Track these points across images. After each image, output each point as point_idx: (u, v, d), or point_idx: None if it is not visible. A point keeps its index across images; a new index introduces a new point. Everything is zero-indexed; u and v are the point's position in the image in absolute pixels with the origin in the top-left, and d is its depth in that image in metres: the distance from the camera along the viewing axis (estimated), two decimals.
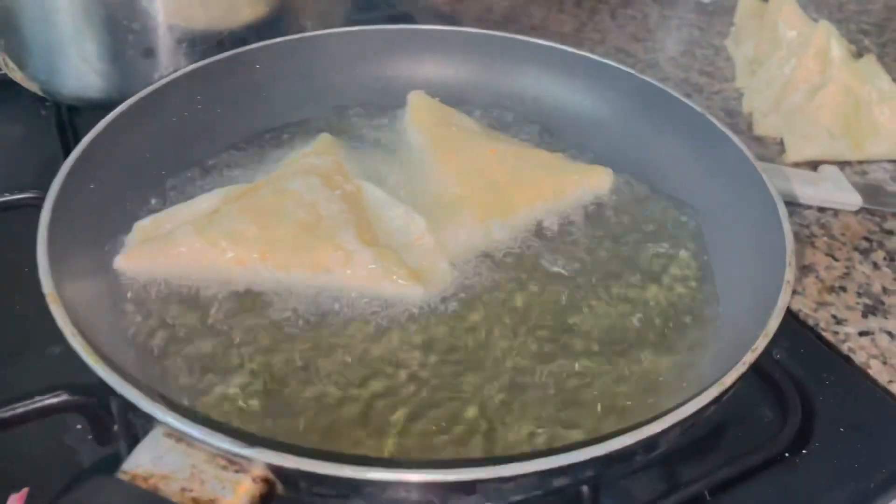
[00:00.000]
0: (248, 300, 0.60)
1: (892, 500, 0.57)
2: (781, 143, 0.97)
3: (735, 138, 0.68)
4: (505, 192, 0.71)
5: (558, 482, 0.41)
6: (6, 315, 0.68)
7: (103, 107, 0.68)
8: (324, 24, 0.88)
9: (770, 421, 0.61)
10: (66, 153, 0.82)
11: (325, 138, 0.74)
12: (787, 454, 0.58)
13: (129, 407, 0.43)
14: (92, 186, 0.61)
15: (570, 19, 1.24)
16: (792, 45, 1.05)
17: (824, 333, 0.73)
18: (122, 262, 0.60)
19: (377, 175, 0.73)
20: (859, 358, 0.70)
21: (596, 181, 0.74)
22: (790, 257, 0.53)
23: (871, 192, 0.89)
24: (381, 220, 0.66)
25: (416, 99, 0.80)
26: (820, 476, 0.57)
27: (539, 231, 0.70)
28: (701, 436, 0.60)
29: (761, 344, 0.46)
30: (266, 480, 0.39)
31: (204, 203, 0.65)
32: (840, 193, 0.87)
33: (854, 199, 0.87)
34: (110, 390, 0.43)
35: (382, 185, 0.71)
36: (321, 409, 0.52)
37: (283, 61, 0.78)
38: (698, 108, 0.71)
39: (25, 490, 0.54)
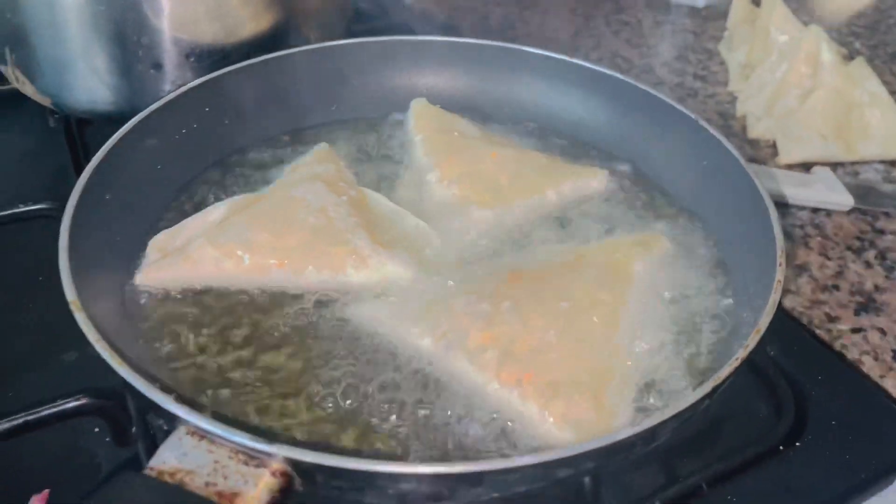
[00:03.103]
0: (260, 302, 0.63)
1: (882, 491, 0.59)
2: (774, 146, 0.99)
3: (727, 143, 0.70)
4: (505, 193, 0.73)
5: (561, 473, 0.43)
6: (22, 323, 0.70)
7: (113, 119, 0.70)
8: (326, 35, 0.90)
9: (765, 416, 0.63)
10: (77, 165, 0.85)
11: (322, 148, 0.76)
12: (781, 447, 0.60)
13: (149, 407, 0.45)
14: (108, 197, 0.63)
15: (565, 26, 1.27)
16: (783, 50, 1.07)
17: (818, 331, 0.74)
18: (141, 279, 0.62)
19: (382, 181, 0.75)
20: (852, 354, 0.72)
21: (592, 182, 0.77)
22: (780, 258, 0.55)
23: (862, 192, 0.91)
24: (388, 226, 0.68)
25: (418, 106, 0.82)
26: (813, 468, 0.59)
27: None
28: (698, 432, 0.62)
29: (753, 340, 0.48)
30: (285, 474, 0.41)
31: (213, 214, 0.67)
32: (832, 194, 0.89)
33: (846, 200, 0.89)
34: (132, 392, 0.45)
35: (387, 190, 0.74)
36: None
37: (287, 73, 0.80)
38: (691, 114, 0.73)
39: (46, 492, 0.56)
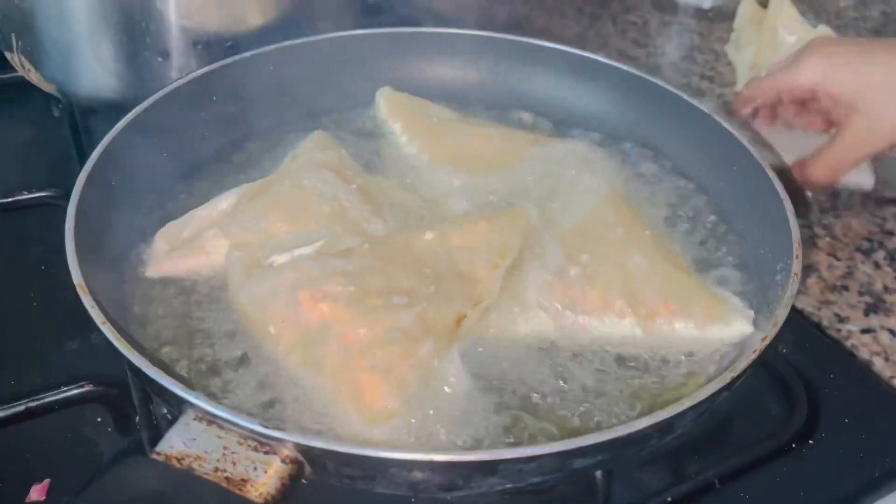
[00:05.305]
0: None
1: None
2: None
3: (742, 139, 0.69)
4: (501, 169, 0.73)
5: (576, 464, 0.42)
6: (24, 311, 0.69)
7: (118, 108, 0.69)
8: (333, 27, 0.90)
9: (777, 414, 0.62)
10: (80, 154, 0.84)
11: (319, 134, 0.75)
12: (793, 445, 0.60)
13: (156, 392, 0.44)
14: (114, 182, 0.62)
15: (572, 25, 1.26)
16: (791, 50, 1.06)
17: (828, 331, 0.74)
18: (152, 271, 0.61)
19: (377, 170, 0.75)
20: (862, 355, 0.72)
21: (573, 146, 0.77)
22: (797, 251, 0.54)
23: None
24: (398, 211, 0.68)
25: (385, 95, 0.81)
26: (826, 466, 0.59)
27: None
28: (710, 429, 0.61)
29: (771, 332, 0.48)
30: (295, 461, 0.40)
31: (222, 204, 0.66)
32: (852, 175, 0.87)
33: (867, 181, 0.86)
34: (138, 376, 0.44)
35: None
36: None
37: (293, 63, 0.80)
38: (704, 108, 0.72)
39: (47, 481, 0.55)
